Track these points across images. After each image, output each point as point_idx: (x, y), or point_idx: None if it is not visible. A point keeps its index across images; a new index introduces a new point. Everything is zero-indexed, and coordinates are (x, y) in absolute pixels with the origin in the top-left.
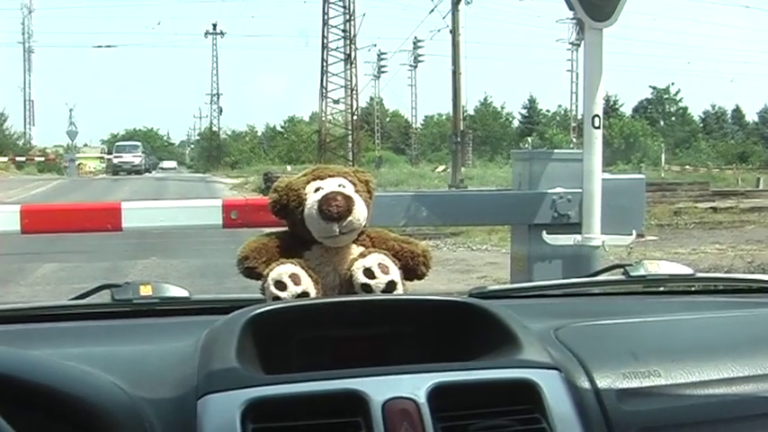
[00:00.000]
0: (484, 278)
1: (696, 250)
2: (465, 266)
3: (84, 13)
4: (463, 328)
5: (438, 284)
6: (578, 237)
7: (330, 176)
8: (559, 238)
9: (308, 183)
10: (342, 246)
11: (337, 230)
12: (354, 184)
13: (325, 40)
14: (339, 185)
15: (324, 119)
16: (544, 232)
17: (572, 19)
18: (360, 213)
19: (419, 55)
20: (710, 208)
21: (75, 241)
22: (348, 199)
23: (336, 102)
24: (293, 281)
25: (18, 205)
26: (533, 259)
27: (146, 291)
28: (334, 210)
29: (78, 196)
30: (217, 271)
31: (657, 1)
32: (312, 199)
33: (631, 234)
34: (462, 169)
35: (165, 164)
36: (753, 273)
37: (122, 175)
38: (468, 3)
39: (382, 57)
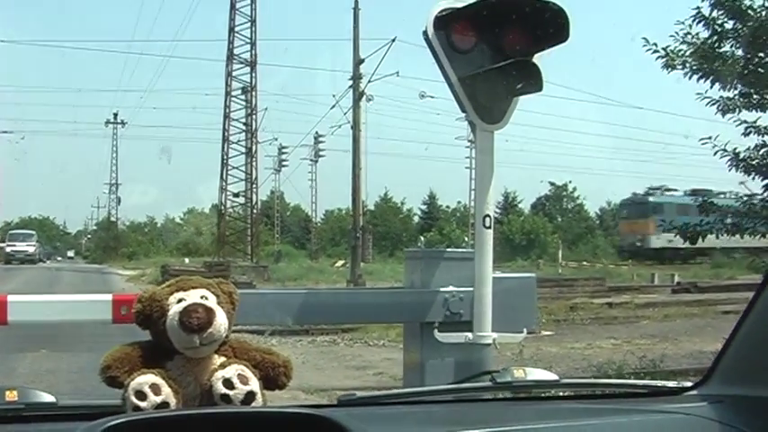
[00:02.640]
0: (380, 374)
1: (591, 345)
2: (361, 362)
3: None
4: None
5: (334, 380)
6: (470, 335)
7: (193, 288)
8: (451, 336)
9: (172, 293)
10: (203, 356)
11: (197, 342)
12: (217, 296)
13: (226, 134)
14: (202, 297)
15: (223, 212)
16: (436, 330)
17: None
18: (221, 325)
19: (320, 150)
20: (606, 303)
21: None
22: (209, 311)
23: (236, 195)
24: (153, 391)
25: None
26: (426, 357)
27: (11, 396)
28: (195, 321)
29: None
30: None
31: (552, 101)
32: (174, 310)
33: (522, 331)
34: (362, 264)
35: (69, 252)
36: (644, 368)
37: (15, 264)
38: (370, 99)
39: (283, 151)
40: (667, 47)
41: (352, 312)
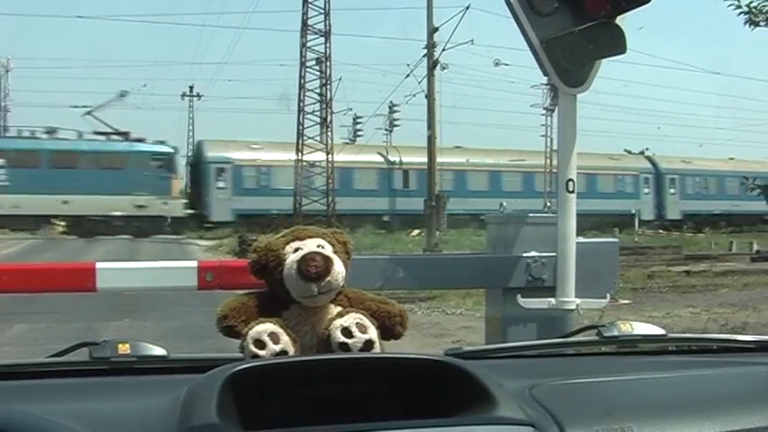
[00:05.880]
0: (458, 342)
1: (670, 314)
2: (439, 330)
3: (61, 73)
4: (439, 387)
5: (412, 348)
6: (552, 300)
7: (309, 237)
8: (534, 302)
9: (288, 243)
10: (320, 305)
11: (316, 290)
12: (333, 245)
13: (301, 104)
14: (318, 246)
15: (299, 182)
16: (519, 296)
17: (546, 84)
18: (338, 274)
19: (395, 119)
20: (684, 272)
21: (47, 301)
22: (327, 259)
23: (312, 165)
24: (272, 339)
25: None
26: (508, 322)
27: (124, 349)
28: (313, 270)
29: (51, 256)
30: (191, 333)
31: (631, 67)
32: (291, 259)
33: (605, 297)
34: (437, 233)
35: None
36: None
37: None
38: (444, 68)
39: (358, 121)
40: (751, 2)
41: (434, 278)
